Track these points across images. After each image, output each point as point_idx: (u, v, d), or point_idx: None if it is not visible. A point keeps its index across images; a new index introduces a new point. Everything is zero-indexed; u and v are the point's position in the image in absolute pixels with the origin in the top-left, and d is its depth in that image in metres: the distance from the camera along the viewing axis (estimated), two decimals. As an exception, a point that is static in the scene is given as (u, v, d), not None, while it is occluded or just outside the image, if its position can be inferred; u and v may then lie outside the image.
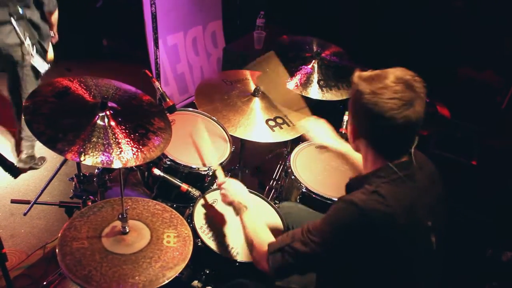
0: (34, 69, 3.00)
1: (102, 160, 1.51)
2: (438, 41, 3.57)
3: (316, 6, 4.10)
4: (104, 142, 1.55)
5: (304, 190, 2.24)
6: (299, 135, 2.51)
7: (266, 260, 1.45)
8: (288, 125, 2.56)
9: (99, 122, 1.61)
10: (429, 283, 1.46)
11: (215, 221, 2.02)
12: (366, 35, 3.75)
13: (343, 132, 2.53)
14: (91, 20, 5.05)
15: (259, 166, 3.49)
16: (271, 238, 1.53)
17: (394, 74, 1.32)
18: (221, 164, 2.13)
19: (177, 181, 2.17)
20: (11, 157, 3.37)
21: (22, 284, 2.46)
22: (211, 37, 4.39)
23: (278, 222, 2.09)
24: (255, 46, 3.84)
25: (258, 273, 1.82)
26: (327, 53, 2.78)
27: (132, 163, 1.58)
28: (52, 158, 3.49)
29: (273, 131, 2.50)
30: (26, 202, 2.15)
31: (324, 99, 2.57)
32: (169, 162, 2.19)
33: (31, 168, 3.31)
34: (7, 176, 1.67)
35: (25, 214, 2.13)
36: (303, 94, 2.56)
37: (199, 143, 2.39)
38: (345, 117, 2.59)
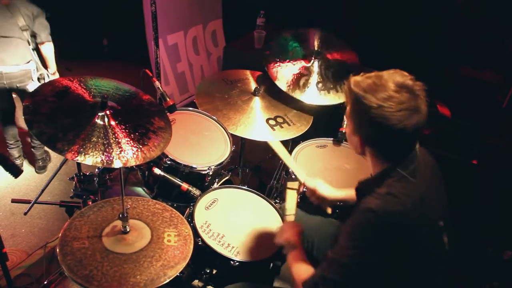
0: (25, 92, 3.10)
1: (102, 160, 1.51)
2: (439, 40, 3.57)
3: (316, 6, 4.09)
4: (104, 142, 1.55)
5: (304, 189, 2.24)
6: (299, 134, 2.51)
7: None
8: (289, 124, 2.56)
9: (98, 121, 1.61)
10: (439, 283, 1.46)
11: (216, 221, 2.02)
12: (366, 35, 3.74)
13: (343, 131, 2.53)
14: (91, 19, 5.05)
15: (260, 165, 3.49)
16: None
17: (393, 80, 1.31)
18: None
19: (177, 181, 2.17)
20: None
21: (22, 283, 2.47)
22: (212, 36, 4.39)
23: (278, 222, 2.09)
24: (255, 45, 3.84)
25: (258, 273, 1.83)
26: (335, 56, 2.74)
27: (132, 163, 1.58)
28: (52, 157, 3.50)
29: (274, 130, 2.50)
30: (27, 201, 2.15)
31: (321, 104, 2.56)
32: (169, 162, 2.19)
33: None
34: (7, 175, 1.67)
35: (25, 214, 2.12)
36: (300, 99, 2.56)
37: (200, 142, 2.39)
38: (345, 117, 2.59)
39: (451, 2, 3.59)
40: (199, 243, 1.88)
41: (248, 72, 2.87)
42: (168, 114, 2.37)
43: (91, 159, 1.49)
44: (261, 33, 3.79)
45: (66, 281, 2.45)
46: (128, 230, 1.69)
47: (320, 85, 2.60)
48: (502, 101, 3.31)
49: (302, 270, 1.53)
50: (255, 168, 3.47)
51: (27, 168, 3.39)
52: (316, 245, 1.97)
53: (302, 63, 2.67)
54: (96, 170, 2.23)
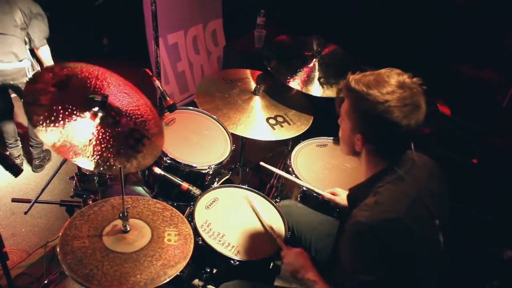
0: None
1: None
2: (439, 40, 3.56)
3: (317, 5, 4.09)
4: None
5: (304, 188, 2.24)
6: (299, 133, 2.51)
7: None
8: (289, 124, 2.56)
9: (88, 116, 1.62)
10: (436, 283, 1.46)
11: (216, 220, 2.02)
12: (366, 34, 3.74)
13: (340, 135, 2.53)
14: (91, 18, 5.05)
15: (260, 165, 3.49)
16: None
17: (394, 79, 1.31)
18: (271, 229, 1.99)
19: (177, 180, 2.17)
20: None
21: (23, 282, 2.47)
22: (212, 35, 4.38)
23: (279, 221, 2.09)
24: (255, 44, 3.84)
25: (258, 272, 1.83)
26: (326, 51, 2.79)
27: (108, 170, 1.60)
28: (52, 157, 3.50)
29: (274, 129, 2.50)
30: (27, 201, 2.15)
31: (324, 96, 2.58)
32: (169, 161, 2.19)
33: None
34: (8, 175, 1.67)
35: (26, 213, 2.12)
36: (304, 92, 2.57)
37: (200, 141, 2.39)
38: (340, 119, 2.60)
39: (451, 1, 3.58)
40: (199, 243, 1.88)
41: (248, 72, 2.88)
42: (168, 113, 2.38)
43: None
44: (261, 33, 3.79)
45: (66, 280, 2.46)
46: (128, 229, 1.69)
47: (322, 79, 2.63)
48: (502, 100, 3.31)
49: None
50: (255, 167, 3.47)
51: (27, 167, 3.40)
52: (313, 244, 1.97)
53: (307, 68, 2.70)
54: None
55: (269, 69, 2.69)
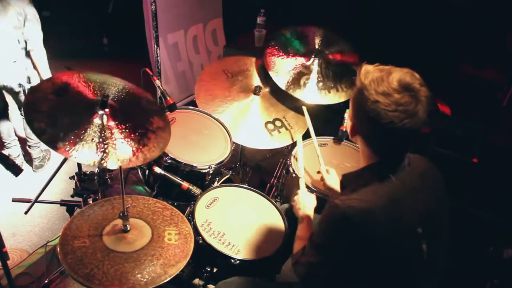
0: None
1: (97, 160, 1.52)
2: (439, 38, 3.56)
3: (317, 4, 4.09)
4: (100, 141, 1.56)
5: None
6: (295, 140, 2.52)
7: (294, 270, 1.53)
8: (287, 129, 2.56)
9: (96, 120, 1.61)
10: None
11: (216, 219, 2.02)
12: (366, 33, 3.74)
13: (343, 130, 2.53)
14: (92, 18, 5.05)
15: (260, 164, 3.49)
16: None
17: (400, 79, 1.27)
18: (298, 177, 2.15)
19: (178, 179, 2.17)
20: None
21: (23, 282, 2.47)
22: (212, 35, 4.38)
23: (279, 220, 2.09)
24: (255, 44, 3.84)
25: (258, 271, 1.83)
26: (337, 57, 2.74)
27: (128, 164, 1.58)
28: (52, 156, 3.50)
29: (272, 135, 2.51)
30: (27, 200, 2.15)
31: (321, 103, 2.56)
32: (169, 161, 2.19)
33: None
34: (8, 174, 1.67)
35: (26, 213, 2.12)
36: (300, 98, 2.56)
37: (200, 141, 2.39)
38: (346, 115, 2.59)
39: (451, 1, 3.58)
40: (200, 242, 1.88)
41: (250, 61, 2.83)
42: (168, 113, 2.38)
43: (85, 158, 1.49)
44: (261, 32, 3.79)
45: (67, 280, 2.46)
46: (128, 228, 1.69)
47: (320, 84, 2.60)
48: (503, 99, 3.30)
49: (296, 245, 1.64)
50: (255, 167, 3.47)
51: (27, 167, 3.40)
52: None
53: (302, 60, 2.66)
54: (97, 169, 2.23)
55: (268, 70, 2.68)
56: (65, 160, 2.12)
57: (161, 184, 2.27)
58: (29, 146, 3.31)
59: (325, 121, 2.81)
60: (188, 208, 2.21)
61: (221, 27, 4.48)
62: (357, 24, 3.85)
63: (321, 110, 2.63)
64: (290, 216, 2.09)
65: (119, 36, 5.34)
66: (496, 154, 2.92)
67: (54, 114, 1.64)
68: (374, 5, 3.85)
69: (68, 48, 4.66)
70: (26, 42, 2.96)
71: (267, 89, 2.70)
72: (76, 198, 2.28)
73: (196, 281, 2.02)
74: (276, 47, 2.68)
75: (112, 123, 1.76)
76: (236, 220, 2.04)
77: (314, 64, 2.66)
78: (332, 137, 2.60)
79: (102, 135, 1.70)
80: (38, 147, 3.32)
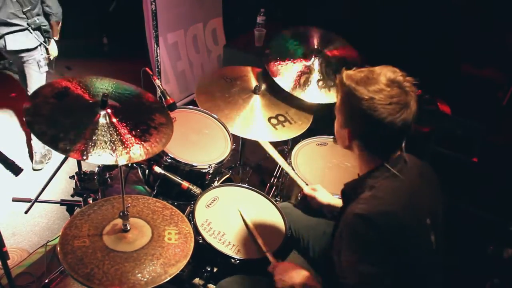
0: (40, 67, 3.21)
1: (107, 158, 1.51)
2: (439, 38, 3.56)
3: (317, 3, 4.09)
4: (107, 140, 1.55)
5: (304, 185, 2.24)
6: (300, 132, 2.51)
7: None
8: (290, 123, 2.56)
9: (101, 120, 1.61)
10: (432, 284, 1.46)
11: (216, 219, 2.02)
12: (366, 32, 3.74)
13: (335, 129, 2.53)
14: (91, 18, 5.05)
15: (260, 164, 3.49)
16: None
17: (385, 75, 1.32)
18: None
19: (178, 179, 2.17)
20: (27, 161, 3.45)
21: (23, 282, 2.47)
22: (212, 34, 4.38)
23: (279, 220, 2.09)
24: (255, 43, 3.84)
25: (258, 271, 1.83)
26: (335, 53, 2.74)
27: (138, 158, 1.58)
28: (53, 156, 3.50)
29: (276, 129, 2.50)
30: (27, 200, 2.15)
31: (322, 102, 2.56)
32: (169, 160, 2.19)
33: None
34: (8, 174, 1.67)
35: (26, 212, 2.12)
36: (301, 98, 2.56)
37: (200, 140, 2.39)
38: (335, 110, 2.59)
39: (451, 1, 3.58)
40: (200, 241, 1.88)
41: (247, 69, 2.85)
42: (168, 112, 2.38)
43: (97, 158, 1.48)
44: (261, 31, 3.79)
45: (67, 279, 2.46)
46: (128, 228, 1.70)
47: (320, 83, 2.60)
48: (503, 98, 3.30)
49: None
50: (255, 166, 3.47)
51: (27, 166, 3.39)
52: (311, 245, 1.98)
53: (303, 62, 2.67)
54: (97, 168, 2.23)
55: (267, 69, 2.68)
56: (65, 159, 2.12)
57: (161, 183, 2.27)
58: (31, 139, 3.34)
59: (325, 120, 2.81)
60: (188, 207, 2.21)
61: (221, 27, 4.48)
62: (357, 24, 3.86)
63: (321, 109, 2.63)
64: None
65: (119, 35, 5.33)
66: (496, 153, 2.92)
67: (55, 116, 1.64)
68: (374, 5, 3.85)
69: (68, 48, 4.66)
70: (50, 13, 3.12)
71: (266, 89, 2.70)
72: (76, 198, 2.28)
73: (196, 280, 2.03)
74: (277, 58, 2.67)
75: (114, 120, 1.75)
76: (236, 220, 2.04)
77: (315, 64, 2.66)
78: (332, 137, 2.60)
79: (111, 133, 1.69)
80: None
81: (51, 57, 3.30)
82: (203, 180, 2.29)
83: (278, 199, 2.66)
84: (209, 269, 1.93)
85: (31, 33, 3.04)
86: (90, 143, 1.52)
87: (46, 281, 2.39)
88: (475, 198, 2.78)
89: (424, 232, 1.39)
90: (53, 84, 1.72)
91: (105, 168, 2.26)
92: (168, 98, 2.25)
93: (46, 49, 3.21)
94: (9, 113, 4.02)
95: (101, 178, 2.19)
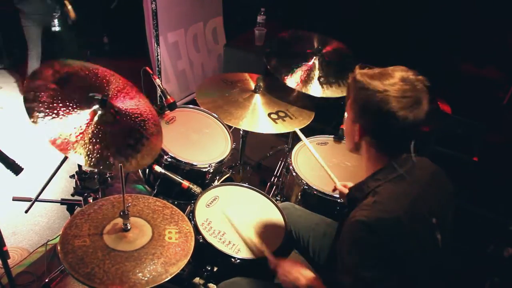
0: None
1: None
2: (440, 37, 3.56)
3: (317, 3, 4.08)
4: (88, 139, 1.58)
5: (305, 187, 2.24)
6: (302, 127, 2.51)
7: None
8: (291, 118, 2.56)
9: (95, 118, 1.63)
10: (437, 282, 1.46)
11: (217, 218, 2.02)
12: (366, 31, 3.74)
13: (344, 128, 2.53)
14: (92, 17, 5.04)
15: (260, 163, 3.49)
16: None
17: (398, 73, 1.34)
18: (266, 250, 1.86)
19: (178, 178, 2.17)
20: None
21: (24, 281, 2.47)
22: (212, 33, 4.38)
23: (279, 219, 2.09)
24: (255, 42, 3.84)
25: (259, 270, 1.83)
26: (328, 49, 2.79)
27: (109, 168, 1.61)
28: (52, 155, 3.49)
29: (276, 123, 2.50)
30: (28, 199, 2.15)
31: (324, 96, 2.57)
32: (170, 159, 2.19)
33: None
34: (8, 173, 1.67)
35: (26, 212, 2.12)
36: (303, 91, 2.57)
37: (200, 140, 2.39)
38: (346, 114, 2.59)
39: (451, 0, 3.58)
40: (200, 241, 1.88)
41: (246, 75, 2.87)
42: (168, 111, 2.38)
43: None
44: (261, 31, 3.80)
45: (67, 279, 2.46)
46: (129, 227, 1.69)
47: (322, 79, 2.62)
48: (503, 97, 3.30)
49: None
50: (255, 166, 3.47)
51: (27, 166, 3.39)
52: (311, 245, 1.98)
53: (305, 61, 2.70)
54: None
55: (269, 67, 2.69)
56: (65, 159, 2.12)
57: (162, 183, 2.27)
58: None
59: (325, 120, 2.82)
60: (189, 207, 2.21)
61: (221, 26, 4.48)
62: (357, 24, 3.86)
63: (321, 109, 2.64)
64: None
65: (119, 35, 5.33)
66: (497, 152, 2.92)
67: (54, 104, 1.66)
68: (374, 5, 3.84)
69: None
70: None
71: (266, 89, 2.70)
72: (76, 197, 2.28)
73: (197, 280, 2.03)
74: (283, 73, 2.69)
75: (105, 124, 1.77)
76: (237, 219, 2.04)
77: (315, 63, 2.68)
78: (332, 136, 2.60)
79: (93, 132, 1.71)
80: None
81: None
82: (203, 179, 2.29)
83: (278, 198, 2.66)
84: (209, 268, 1.93)
85: None
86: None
87: (47, 280, 2.39)
88: (475, 197, 2.78)
89: (429, 231, 1.39)
90: (54, 66, 1.74)
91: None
92: (169, 97, 2.25)
93: None
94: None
95: (101, 177, 2.19)
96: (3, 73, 4.66)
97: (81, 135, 1.70)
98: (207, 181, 2.32)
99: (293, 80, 2.60)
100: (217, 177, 2.41)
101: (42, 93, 1.67)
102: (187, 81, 4.22)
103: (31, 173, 3.33)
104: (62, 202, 2.26)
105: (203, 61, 4.35)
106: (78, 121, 1.73)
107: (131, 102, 1.95)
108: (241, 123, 2.43)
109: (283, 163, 3.17)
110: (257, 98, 2.61)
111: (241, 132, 2.76)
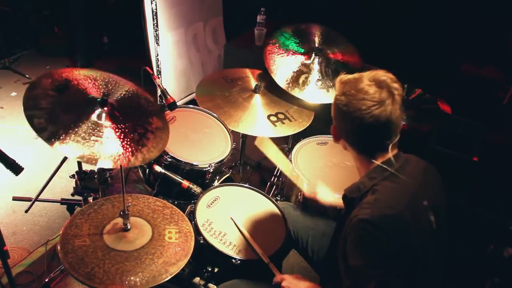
0: None
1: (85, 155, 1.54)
2: (439, 37, 3.56)
3: (317, 3, 4.08)
4: (94, 139, 1.57)
5: (305, 186, 2.24)
6: (301, 129, 2.51)
7: None
8: (290, 120, 2.56)
9: (93, 118, 1.62)
10: (435, 266, 1.46)
11: (217, 219, 2.02)
12: (366, 31, 3.73)
13: None
14: (92, 17, 5.04)
15: (260, 163, 3.49)
16: None
17: (370, 75, 1.37)
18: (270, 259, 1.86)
19: (178, 178, 2.17)
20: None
21: (24, 281, 2.47)
22: (212, 33, 4.38)
23: (280, 220, 2.09)
24: (255, 42, 3.84)
25: (259, 271, 1.83)
26: (333, 52, 2.74)
27: (125, 163, 1.60)
28: (52, 155, 3.49)
29: (275, 126, 2.50)
30: (28, 199, 2.15)
31: (320, 102, 2.56)
32: (170, 159, 2.19)
33: None
34: (8, 173, 1.67)
35: (26, 212, 2.13)
36: (299, 97, 2.55)
37: (200, 140, 2.39)
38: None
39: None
40: (201, 241, 1.88)
41: (247, 71, 2.86)
42: (168, 111, 2.38)
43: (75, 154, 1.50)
44: (261, 31, 3.79)
45: (67, 278, 2.46)
46: (129, 227, 1.70)
47: (319, 83, 2.60)
48: (503, 97, 3.30)
49: None
50: (256, 166, 3.47)
51: (28, 165, 3.39)
52: (310, 245, 1.98)
53: (302, 59, 2.66)
54: (97, 167, 2.24)
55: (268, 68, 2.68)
56: (65, 158, 2.13)
57: (162, 182, 2.27)
58: None
59: (325, 120, 2.80)
60: (189, 207, 2.21)
61: (221, 26, 4.48)
62: (357, 24, 3.86)
63: (321, 109, 2.63)
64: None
65: (119, 35, 5.33)
66: (497, 152, 2.92)
67: (55, 111, 1.65)
68: (374, 5, 3.84)
69: (68, 47, 4.65)
70: None
71: (267, 88, 2.70)
72: (76, 197, 2.28)
73: (197, 280, 2.03)
74: (276, 45, 2.68)
75: (109, 123, 1.77)
76: (237, 219, 2.04)
77: (315, 62, 2.65)
78: (332, 136, 2.60)
79: (94, 132, 1.71)
80: None
81: None
82: (203, 179, 2.29)
83: (278, 198, 2.66)
84: (210, 269, 1.93)
85: None
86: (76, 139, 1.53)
87: (47, 280, 2.39)
88: (475, 197, 2.78)
89: (423, 214, 1.40)
90: (53, 75, 1.73)
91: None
92: (169, 97, 2.25)
93: None
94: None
95: (101, 177, 2.19)
96: (3, 73, 4.65)
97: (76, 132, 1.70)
98: (207, 181, 2.31)
99: (292, 84, 2.58)
100: (217, 177, 2.41)
101: (42, 101, 1.67)
102: (187, 81, 4.21)
103: (31, 173, 3.34)
104: (62, 202, 2.27)
105: (203, 61, 4.35)
106: (77, 121, 1.73)
107: (132, 101, 1.95)
108: (240, 125, 2.44)
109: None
110: (257, 99, 2.61)
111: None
